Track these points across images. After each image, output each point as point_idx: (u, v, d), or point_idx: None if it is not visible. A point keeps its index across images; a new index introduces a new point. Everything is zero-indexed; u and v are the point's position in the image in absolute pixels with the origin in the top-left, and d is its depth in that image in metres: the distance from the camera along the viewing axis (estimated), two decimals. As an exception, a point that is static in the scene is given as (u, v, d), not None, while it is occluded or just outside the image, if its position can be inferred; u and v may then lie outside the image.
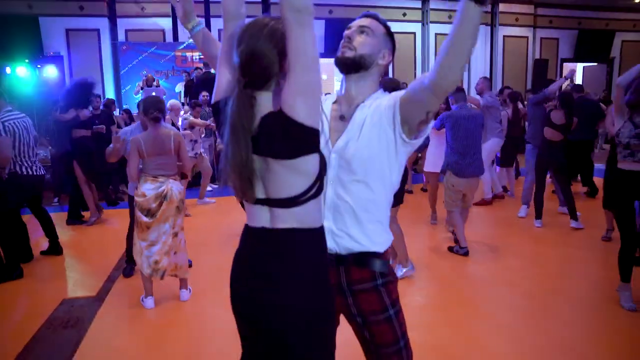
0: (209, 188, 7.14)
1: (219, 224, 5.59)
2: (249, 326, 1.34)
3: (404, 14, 12.30)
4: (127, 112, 8.21)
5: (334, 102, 1.57)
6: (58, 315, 3.37)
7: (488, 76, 13.13)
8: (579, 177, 7.21)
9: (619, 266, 3.36)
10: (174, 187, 3.39)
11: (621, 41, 14.44)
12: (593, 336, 2.98)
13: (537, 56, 13.64)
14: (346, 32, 1.53)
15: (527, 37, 13.42)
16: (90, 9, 10.30)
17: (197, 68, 9.82)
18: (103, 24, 10.45)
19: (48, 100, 7.49)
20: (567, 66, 14.46)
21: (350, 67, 1.48)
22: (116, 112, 8.65)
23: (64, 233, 5.38)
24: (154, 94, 8.95)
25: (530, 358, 2.75)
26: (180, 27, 10.84)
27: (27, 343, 2.98)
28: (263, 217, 1.28)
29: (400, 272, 3.81)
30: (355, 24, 1.54)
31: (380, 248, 1.50)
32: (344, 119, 1.50)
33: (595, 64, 14.52)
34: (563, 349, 2.81)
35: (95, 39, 10.44)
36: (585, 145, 6.64)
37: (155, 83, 9.61)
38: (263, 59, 1.20)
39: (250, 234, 1.32)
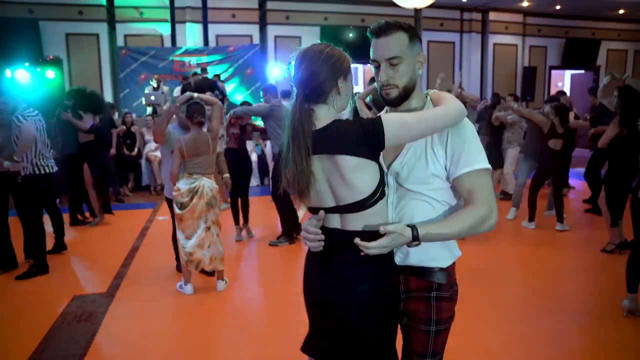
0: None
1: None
2: (321, 311, 1.51)
3: (397, 22, 12.57)
4: (128, 115, 8.37)
5: None
6: (71, 310, 3.54)
7: (479, 82, 13.51)
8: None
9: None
10: (206, 184, 3.71)
11: (607, 50, 14.85)
12: (579, 328, 3.20)
13: (526, 63, 13.98)
14: (381, 77, 1.47)
15: (516, 45, 13.75)
16: (89, 13, 10.46)
17: (194, 73, 10.00)
18: (102, 28, 10.61)
19: (48, 103, 7.64)
20: (555, 74, 14.85)
21: (400, 100, 1.50)
22: (115, 116, 8.81)
23: (69, 234, 5.54)
24: (152, 98, 9.12)
25: (519, 349, 2.97)
26: (178, 32, 11.04)
27: (44, 335, 3.15)
28: (335, 221, 1.44)
29: None
30: (380, 57, 1.47)
31: (441, 264, 1.51)
32: None
33: (582, 71, 14.91)
34: (550, 341, 3.04)
35: (94, 43, 10.59)
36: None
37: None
38: (320, 77, 1.40)
39: (325, 233, 1.46)
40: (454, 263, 1.55)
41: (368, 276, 1.41)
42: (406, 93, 1.48)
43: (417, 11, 12.35)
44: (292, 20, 11.81)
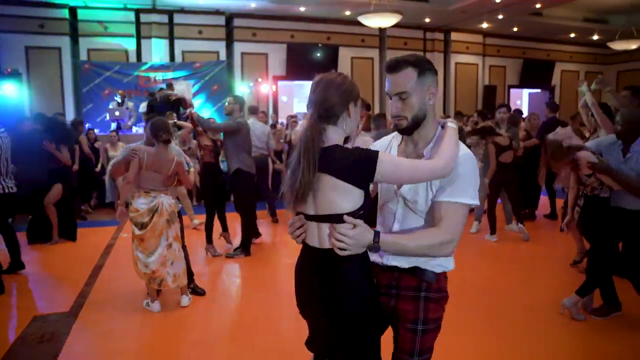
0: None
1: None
2: (312, 311, 1.65)
3: (363, 40, 12.87)
4: (91, 130, 8.19)
5: (399, 144, 1.74)
6: (31, 331, 3.39)
7: (443, 100, 13.93)
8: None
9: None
10: (165, 201, 3.64)
11: (560, 70, 15.65)
12: (539, 336, 3.31)
13: (487, 82, 14.54)
14: (392, 109, 1.63)
15: (477, 65, 14.30)
16: (50, 27, 10.23)
17: (160, 89, 9.91)
18: (64, 42, 10.39)
19: (6, 118, 7.39)
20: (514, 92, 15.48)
21: (411, 130, 1.64)
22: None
23: (28, 253, 5.33)
24: (117, 113, 8.97)
25: (481, 355, 3.05)
26: (144, 48, 10.95)
27: (2, 357, 3.01)
28: (314, 236, 1.58)
29: None
30: (391, 90, 1.62)
31: (435, 269, 1.65)
32: None
33: (539, 90, 15.62)
34: (510, 347, 3.14)
35: (56, 57, 10.35)
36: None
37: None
38: (332, 100, 1.56)
39: (306, 249, 1.64)
40: (444, 273, 1.70)
41: (346, 293, 1.54)
42: (416, 123, 1.62)
43: (382, 30, 12.71)
44: (258, 37, 11.91)
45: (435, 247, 1.54)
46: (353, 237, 1.46)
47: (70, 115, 9.74)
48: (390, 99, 1.64)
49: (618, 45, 11.66)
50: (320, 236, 1.55)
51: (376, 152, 1.49)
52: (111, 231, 6.43)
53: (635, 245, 3.21)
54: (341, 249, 1.47)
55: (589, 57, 16.10)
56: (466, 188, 1.56)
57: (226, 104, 5.22)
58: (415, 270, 1.63)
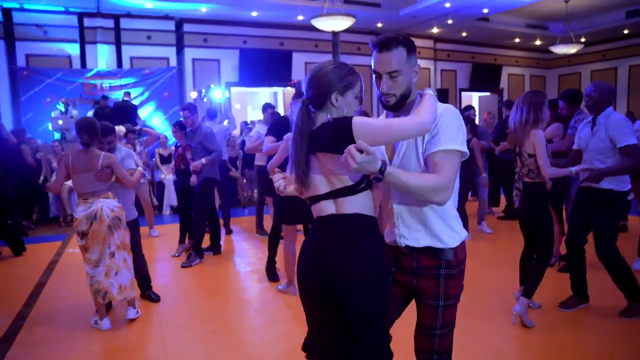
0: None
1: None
2: (317, 298, 1.66)
3: (316, 45, 12.84)
4: (32, 141, 7.67)
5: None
6: (-41, 361, 3.05)
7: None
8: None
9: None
10: (105, 205, 3.36)
11: (507, 74, 16.25)
12: (505, 331, 3.29)
13: (439, 86, 14.86)
14: (382, 87, 1.67)
15: (429, 69, 14.59)
16: (-18, 30, 9.58)
17: (104, 96, 9.48)
18: (-1, 46, 9.74)
19: None
20: (465, 95, 15.92)
21: (398, 106, 1.71)
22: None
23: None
24: (60, 122, 8.48)
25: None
26: (88, 53, 10.45)
27: None
28: (329, 208, 1.64)
29: (282, 287, 4.16)
30: (381, 70, 1.66)
31: (451, 244, 1.70)
32: None
33: (488, 93, 16.14)
34: (479, 343, 3.09)
35: (-12, 62, 9.68)
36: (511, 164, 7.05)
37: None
38: (316, 88, 1.65)
39: (320, 222, 1.67)
40: (462, 244, 1.74)
41: (359, 254, 1.59)
42: (403, 100, 1.70)
43: (335, 35, 12.73)
44: (210, 43, 11.64)
45: (432, 191, 1.55)
46: (362, 162, 1.43)
47: (8, 126, 9.09)
48: (379, 77, 1.68)
49: (559, 50, 12.17)
50: (337, 206, 1.63)
51: (349, 118, 1.56)
52: (56, 247, 6.00)
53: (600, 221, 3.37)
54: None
55: (532, 62, 16.82)
56: (456, 135, 1.61)
57: (181, 118, 5.11)
58: (432, 251, 1.69)
